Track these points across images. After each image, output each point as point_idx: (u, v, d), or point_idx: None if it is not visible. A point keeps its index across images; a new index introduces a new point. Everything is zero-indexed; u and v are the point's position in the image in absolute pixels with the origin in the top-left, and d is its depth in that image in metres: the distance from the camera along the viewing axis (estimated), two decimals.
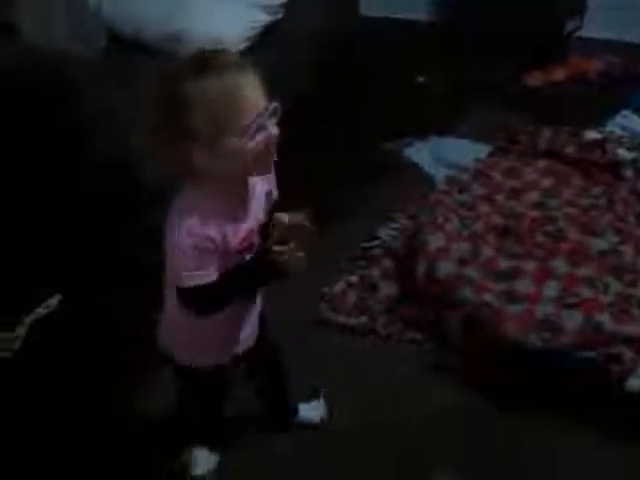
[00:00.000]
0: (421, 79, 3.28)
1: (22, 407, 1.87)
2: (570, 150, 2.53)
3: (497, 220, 2.23)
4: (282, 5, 2.66)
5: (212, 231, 1.22)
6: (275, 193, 1.37)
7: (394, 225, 2.38)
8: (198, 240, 1.21)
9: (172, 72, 1.18)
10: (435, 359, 1.96)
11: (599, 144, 2.55)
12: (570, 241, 2.14)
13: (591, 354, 1.81)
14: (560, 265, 2.04)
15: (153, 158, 1.23)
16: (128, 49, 2.49)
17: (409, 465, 1.72)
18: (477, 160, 2.58)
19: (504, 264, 2.05)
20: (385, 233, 2.35)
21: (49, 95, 2.10)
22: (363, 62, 3.29)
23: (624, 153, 2.50)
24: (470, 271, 2.02)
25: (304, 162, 2.38)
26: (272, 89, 1.21)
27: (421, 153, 2.78)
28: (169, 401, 1.75)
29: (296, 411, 1.78)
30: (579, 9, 3.38)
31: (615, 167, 2.46)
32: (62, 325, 2.10)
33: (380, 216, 2.43)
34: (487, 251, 2.10)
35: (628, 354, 1.79)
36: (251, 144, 1.17)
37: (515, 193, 2.37)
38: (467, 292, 1.96)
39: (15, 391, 1.90)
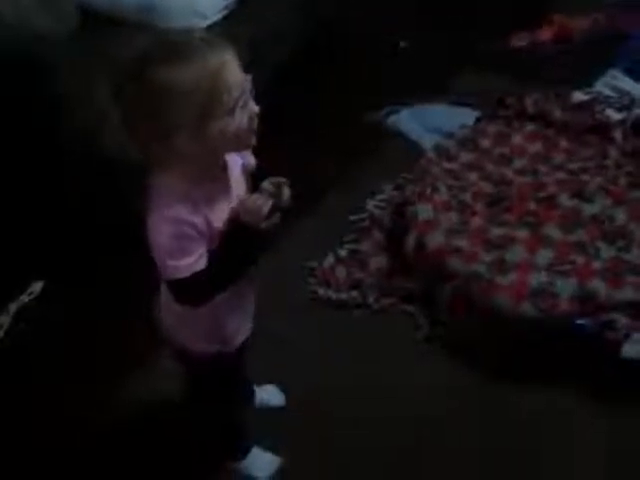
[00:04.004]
0: (403, 45, 3.20)
1: (7, 399, 1.83)
2: (557, 113, 2.48)
3: (486, 188, 2.19)
4: None
5: (193, 217, 1.16)
6: (252, 160, 1.30)
7: (381, 196, 2.33)
8: (179, 228, 1.15)
9: (144, 64, 1.10)
10: (428, 331, 1.94)
11: (587, 106, 2.50)
12: (561, 207, 2.10)
13: (586, 321, 1.79)
14: (552, 232, 2.01)
15: (132, 149, 1.16)
16: (103, 23, 2.41)
17: (401, 433, 1.71)
18: (464, 126, 2.52)
19: (494, 233, 2.01)
20: (372, 205, 2.30)
21: (21, 74, 2.03)
22: (343, 31, 3.21)
23: (613, 114, 2.46)
24: (459, 241, 1.98)
25: (286, 136, 2.32)
26: (249, 60, 1.16)
27: (406, 121, 2.71)
28: (166, 392, 1.71)
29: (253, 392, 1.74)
30: None
31: (604, 129, 2.41)
32: (47, 312, 2.04)
33: (366, 188, 2.37)
34: (477, 220, 2.06)
35: (622, 320, 1.77)
36: (234, 123, 1.13)
37: (504, 160, 2.32)
38: (457, 263, 1.93)
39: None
